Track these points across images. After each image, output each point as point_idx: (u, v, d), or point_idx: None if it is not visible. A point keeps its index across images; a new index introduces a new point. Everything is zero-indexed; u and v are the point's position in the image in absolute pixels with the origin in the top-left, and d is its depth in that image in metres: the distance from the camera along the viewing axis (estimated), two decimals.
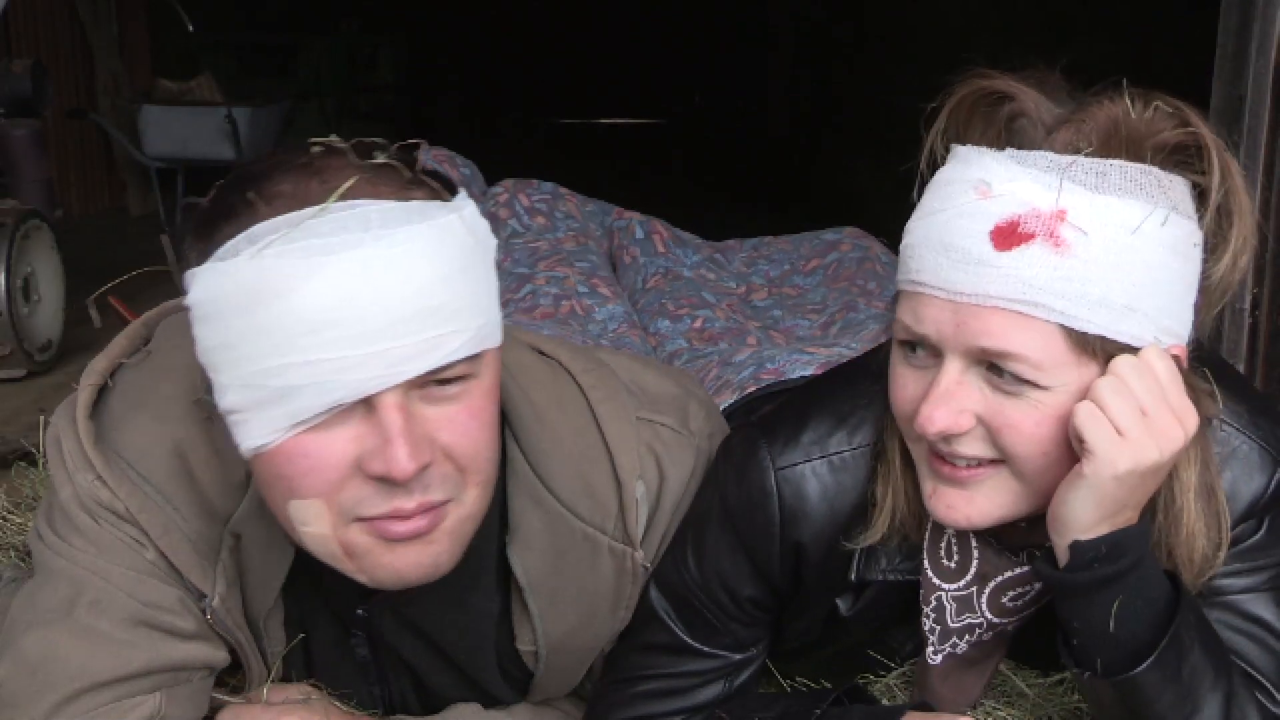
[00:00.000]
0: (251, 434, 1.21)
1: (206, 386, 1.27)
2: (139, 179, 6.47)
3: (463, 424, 1.23)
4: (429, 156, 3.35)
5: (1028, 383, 1.18)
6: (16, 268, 3.58)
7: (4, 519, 2.21)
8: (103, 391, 1.42)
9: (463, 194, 1.28)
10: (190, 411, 1.35)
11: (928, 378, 1.23)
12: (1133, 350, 1.19)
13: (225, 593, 1.38)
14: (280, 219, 1.16)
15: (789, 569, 1.43)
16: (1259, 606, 1.35)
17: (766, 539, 1.41)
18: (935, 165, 1.28)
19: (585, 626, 1.47)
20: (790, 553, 1.42)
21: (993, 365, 1.19)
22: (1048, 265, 1.15)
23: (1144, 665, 1.22)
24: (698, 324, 2.72)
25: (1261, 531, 1.36)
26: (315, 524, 1.23)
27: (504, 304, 2.66)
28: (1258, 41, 2.12)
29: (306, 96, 7.90)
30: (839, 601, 1.46)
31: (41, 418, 1.44)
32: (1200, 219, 1.21)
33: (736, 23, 10.54)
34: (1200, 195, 1.21)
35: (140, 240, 5.79)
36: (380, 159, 1.22)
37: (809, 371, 2.11)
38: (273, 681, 1.50)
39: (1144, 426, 1.17)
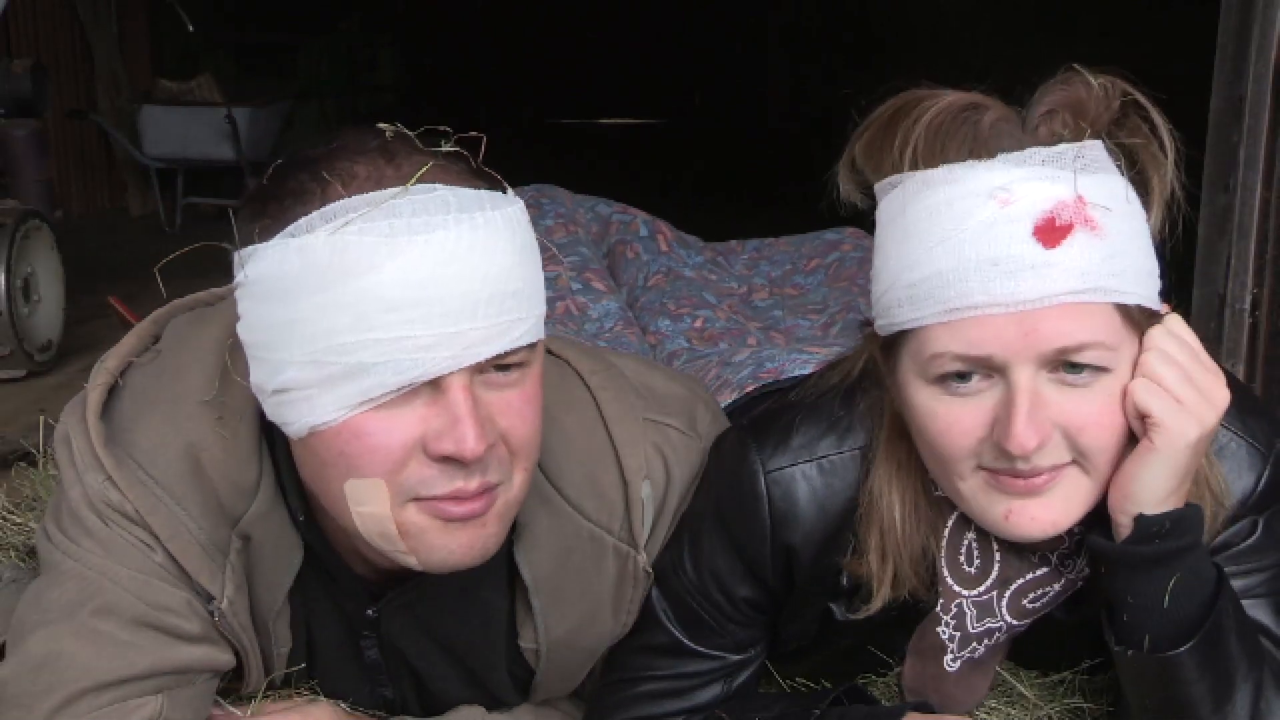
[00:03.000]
0: (314, 411, 1.21)
1: (220, 383, 1.28)
2: (139, 179, 6.48)
3: (519, 409, 1.25)
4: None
5: (1101, 370, 1.20)
6: (16, 268, 3.58)
7: (4, 519, 2.21)
8: (112, 391, 1.42)
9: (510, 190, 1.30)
10: (201, 412, 1.35)
11: (983, 404, 1.21)
12: (1155, 316, 1.23)
13: (233, 595, 1.38)
14: (360, 198, 1.17)
15: (781, 570, 1.43)
16: (1256, 610, 1.36)
17: (757, 541, 1.41)
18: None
19: (587, 626, 1.47)
20: (781, 554, 1.42)
21: (1066, 364, 1.19)
22: (1093, 249, 1.17)
23: (1190, 644, 1.24)
24: (698, 324, 2.72)
25: (1257, 534, 1.37)
26: (372, 503, 1.23)
27: None
28: (1258, 41, 2.12)
29: (306, 96, 7.90)
30: (833, 606, 1.46)
31: (42, 418, 1.43)
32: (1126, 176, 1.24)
33: (736, 23, 10.54)
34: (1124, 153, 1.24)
35: (141, 240, 5.80)
36: (446, 147, 1.23)
37: (808, 370, 2.10)
38: (273, 684, 1.50)
39: (1196, 391, 1.21)
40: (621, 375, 1.51)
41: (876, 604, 1.37)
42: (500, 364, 1.22)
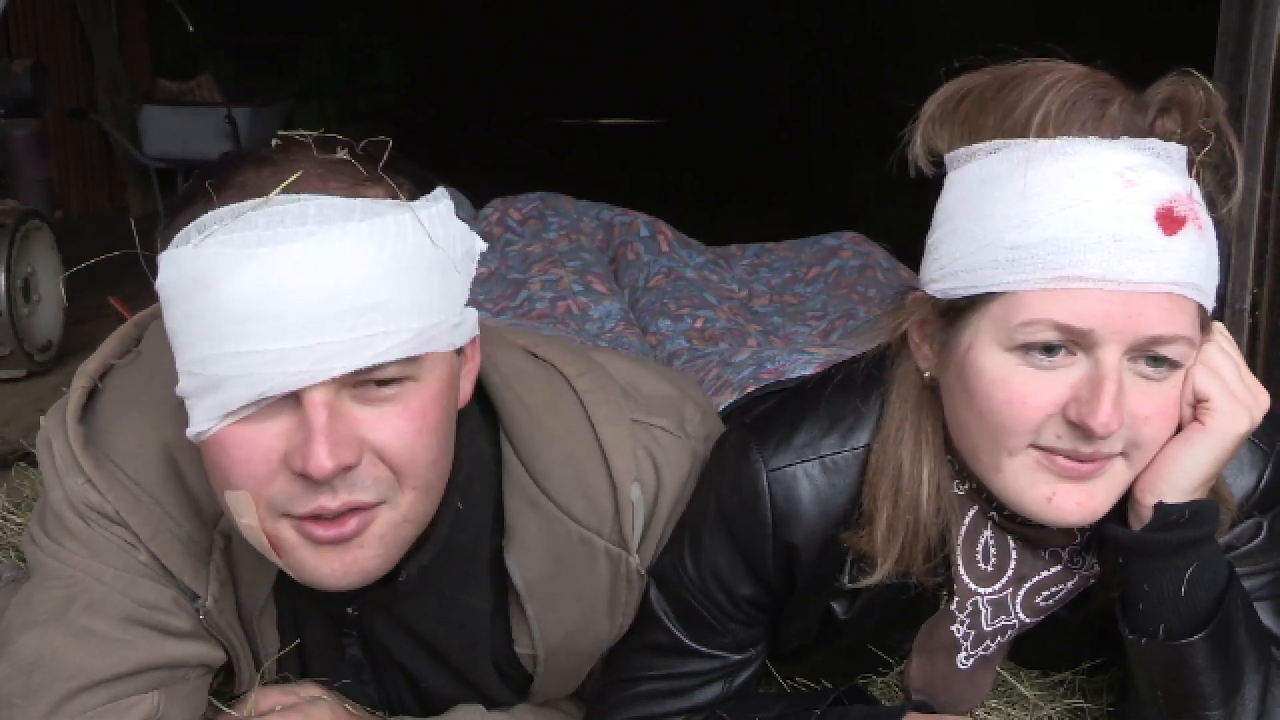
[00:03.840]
0: (195, 421, 1.22)
1: None
2: (139, 179, 6.47)
3: (397, 426, 1.21)
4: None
5: (1175, 366, 1.22)
6: (16, 268, 3.58)
7: (4, 519, 2.22)
8: (94, 394, 1.42)
9: (436, 194, 1.27)
10: (179, 412, 1.35)
11: (1060, 380, 1.21)
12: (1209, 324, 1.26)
13: (218, 593, 1.38)
14: (225, 209, 1.17)
15: (782, 569, 1.43)
16: (1261, 614, 1.36)
17: (759, 539, 1.41)
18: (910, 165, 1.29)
19: (583, 630, 1.47)
20: (783, 553, 1.42)
21: (1148, 357, 1.20)
22: (1199, 247, 1.19)
23: (1204, 632, 1.25)
24: (698, 324, 2.72)
25: (1262, 535, 1.38)
26: (247, 515, 1.23)
27: (500, 310, 2.68)
28: (1258, 41, 2.12)
29: (306, 96, 7.89)
30: (834, 604, 1.46)
31: (41, 418, 1.44)
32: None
33: (736, 23, 10.54)
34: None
35: (141, 241, 5.78)
36: (341, 155, 1.21)
37: (809, 371, 2.10)
38: (269, 681, 1.49)
39: (1246, 389, 1.26)
40: (609, 377, 1.50)
41: (877, 577, 1.37)
42: (377, 379, 1.19)
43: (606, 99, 11.50)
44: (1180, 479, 1.25)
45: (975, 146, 1.25)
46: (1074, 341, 1.20)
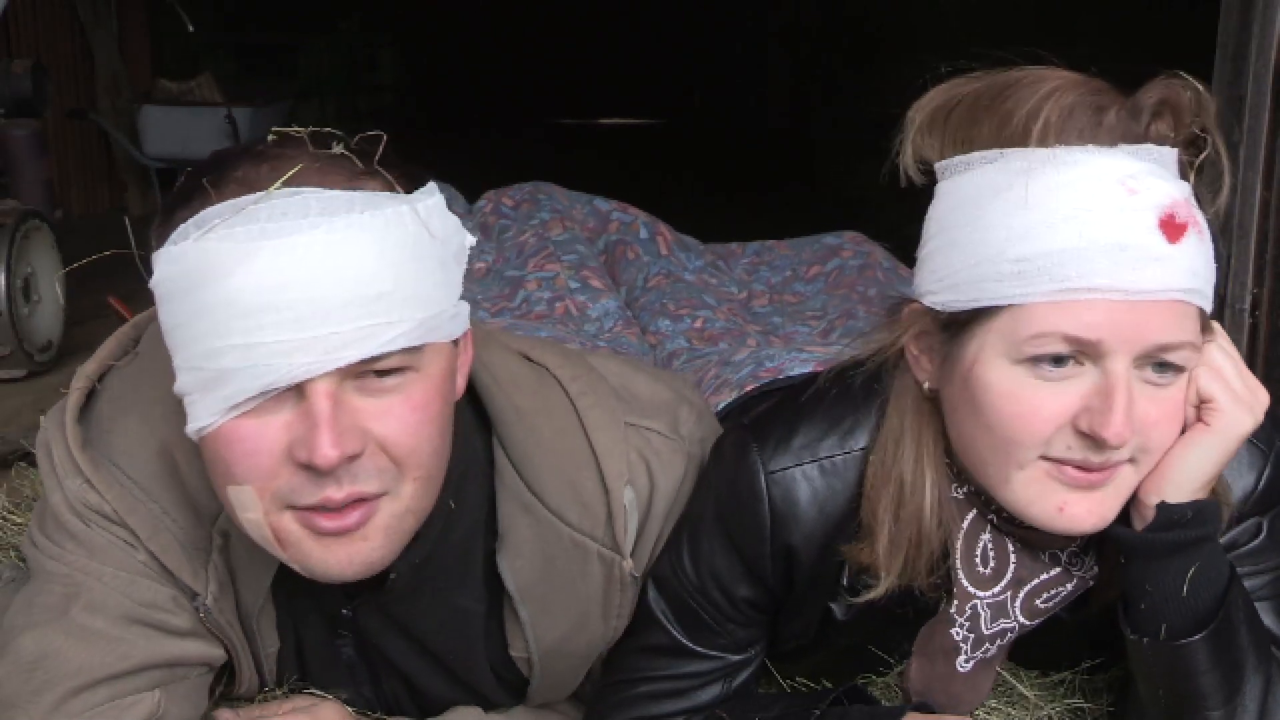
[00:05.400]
0: (196, 416, 1.22)
1: None
2: (139, 179, 6.47)
3: (399, 416, 1.22)
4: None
5: (1181, 371, 1.22)
6: (16, 268, 3.58)
7: (4, 519, 2.22)
8: (92, 395, 1.43)
9: (429, 188, 1.27)
10: (177, 412, 1.35)
11: (1070, 391, 1.21)
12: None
13: (217, 592, 1.38)
14: (226, 204, 1.17)
15: (781, 571, 1.43)
16: (1260, 612, 1.36)
17: (757, 541, 1.41)
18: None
19: (578, 633, 1.47)
20: (781, 555, 1.42)
21: (1155, 363, 1.20)
22: (1199, 252, 1.19)
23: (1205, 632, 1.25)
24: (698, 324, 2.72)
25: (1262, 535, 1.38)
26: (251, 510, 1.23)
27: (499, 311, 2.68)
28: (1258, 41, 2.12)
29: (306, 96, 7.89)
30: (833, 605, 1.46)
31: (41, 418, 1.44)
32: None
33: (736, 23, 10.54)
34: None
35: (139, 240, 5.79)
36: (337, 149, 1.22)
37: (808, 370, 2.10)
38: (264, 685, 1.50)
39: (1248, 388, 1.26)
40: (602, 379, 1.50)
41: (880, 590, 1.36)
42: (378, 369, 1.20)
43: (606, 99, 11.50)
44: (1184, 479, 1.25)
45: (971, 155, 1.24)
46: (1082, 352, 1.20)
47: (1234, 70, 2.17)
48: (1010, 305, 1.20)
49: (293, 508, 1.22)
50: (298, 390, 1.18)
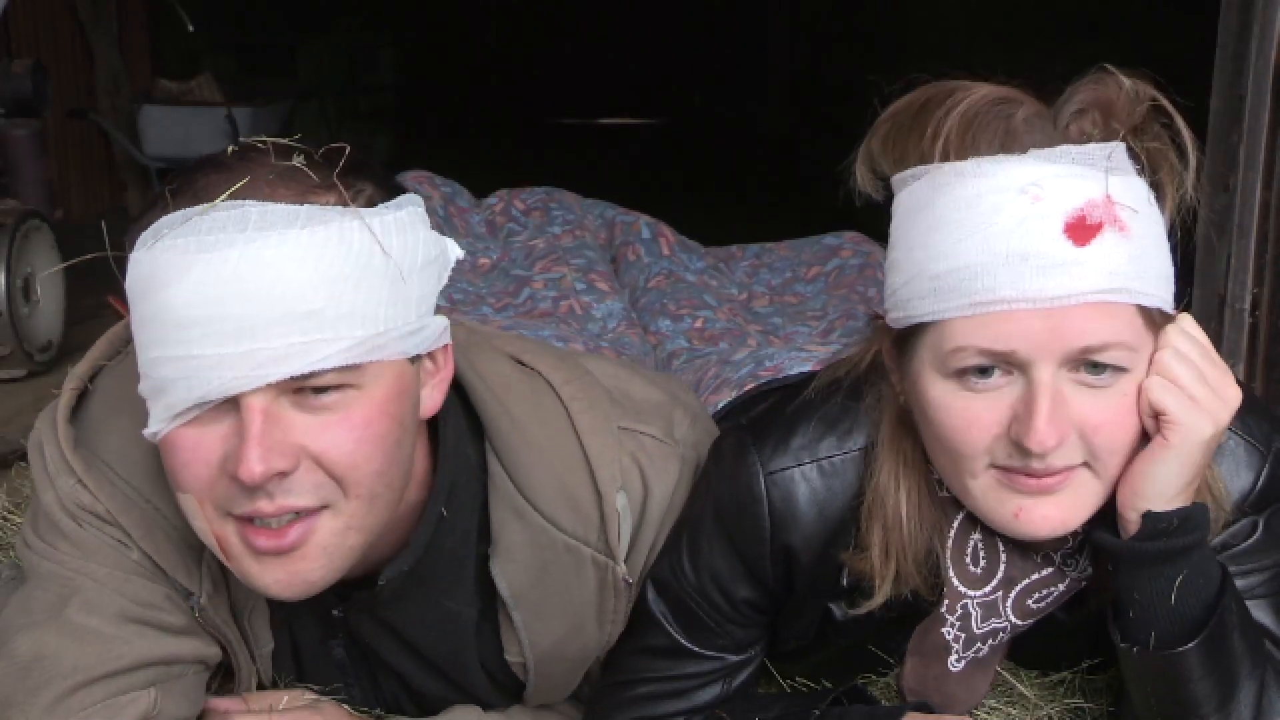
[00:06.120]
0: (150, 421, 1.22)
1: None
2: (139, 179, 6.46)
3: (336, 434, 1.21)
4: (405, 178, 3.32)
5: (1121, 370, 1.20)
6: (16, 268, 3.58)
7: (4, 519, 2.22)
8: (84, 395, 1.43)
9: (398, 201, 1.26)
10: None
11: (1002, 401, 1.21)
12: (1169, 318, 1.23)
13: (211, 591, 1.38)
14: (176, 214, 1.18)
15: (780, 571, 1.43)
16: (1257, 611, 1.36)
17: (757, 542, 1.41)
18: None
19: (573, 637, 1.47)
20: (780, 555, 1.42)
21: (1087, 364, 1.19)
22: (1120, 250, 1.17)
23: (1196, 640, 1.24)
24: (698, 324, 2.72)
25: (1257, 534, 1.37)
26: (196, 518, 1.24)
27: (503, 307, 2.68)
28: (1258, 41, 2.12)
29: (306, 96, 7.88)
30: (832, 606, 1.46)
31: (37, 421, 1.44)
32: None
33: (736, 22, 10.54)
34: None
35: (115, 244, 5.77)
36: (297, 161, 1.21)
37: (808, 369, 2.10)
38: (262, 685, 1.50)
39: (1209, 390, 1.22)
40: (596, 383, 1.49)
41: (878, 600, 1.37)
42: (315, 386, 1.19)
43: (606, 99, 11.49)
44: (1155, 493, 1.24)
45: (905, 173, 1.26)
46: (1006, 362, 1.20)
47: (1234, 70, 2.17)
48: (934, 321, 1.22)
49: (231, 515, 1.23)
50: (234, 402, 1.18)
